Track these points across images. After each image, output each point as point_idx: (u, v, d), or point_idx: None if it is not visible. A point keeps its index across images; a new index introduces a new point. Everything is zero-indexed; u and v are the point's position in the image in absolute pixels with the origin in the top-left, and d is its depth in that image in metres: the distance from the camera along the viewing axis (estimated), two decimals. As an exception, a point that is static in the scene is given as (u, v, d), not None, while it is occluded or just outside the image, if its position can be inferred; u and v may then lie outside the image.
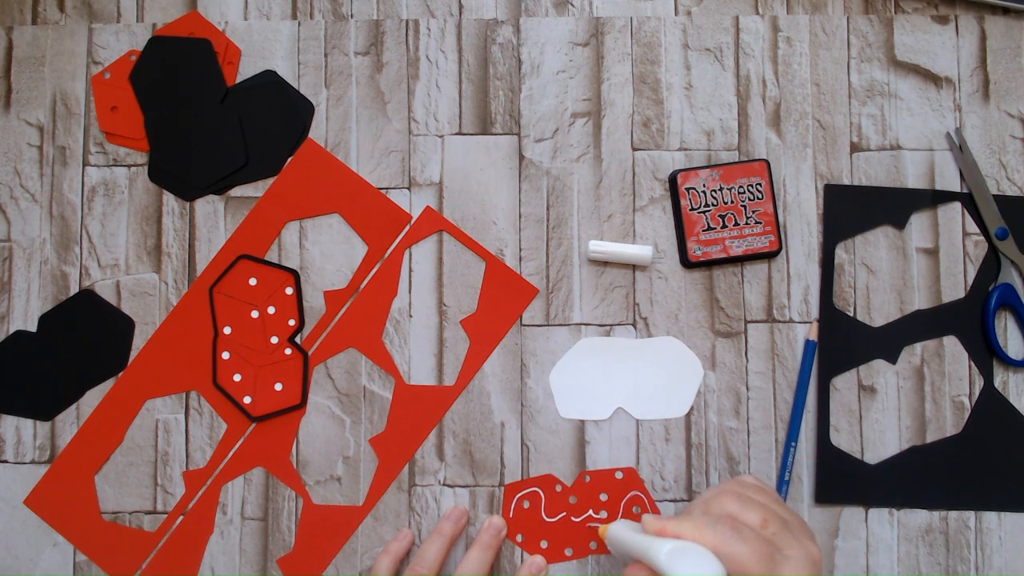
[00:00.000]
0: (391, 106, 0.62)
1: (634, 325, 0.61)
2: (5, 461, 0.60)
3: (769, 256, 0.60)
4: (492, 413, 0.60)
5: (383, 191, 0.62)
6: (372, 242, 0.61)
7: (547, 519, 0.59)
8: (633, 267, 0.61)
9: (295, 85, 0.62)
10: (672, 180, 0.61)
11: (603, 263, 0.61)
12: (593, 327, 0.61)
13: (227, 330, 0.60)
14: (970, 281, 0.61)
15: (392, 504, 0.60)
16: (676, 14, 0.62)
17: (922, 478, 0.59)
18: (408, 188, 0.62)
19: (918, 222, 0.61)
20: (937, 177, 0.61)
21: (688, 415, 0.60)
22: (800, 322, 0.60)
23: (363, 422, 0.60)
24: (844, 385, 0.60)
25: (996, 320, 0.60)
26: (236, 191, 0.62)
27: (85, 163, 0.62)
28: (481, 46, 0.62)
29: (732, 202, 0.60)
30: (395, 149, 0.62)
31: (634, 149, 0.62)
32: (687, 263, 0.60)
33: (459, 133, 0.62)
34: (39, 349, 0.61)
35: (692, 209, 0.60)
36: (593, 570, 0.59)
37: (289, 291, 0.61)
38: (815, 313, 0.61)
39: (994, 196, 0.61)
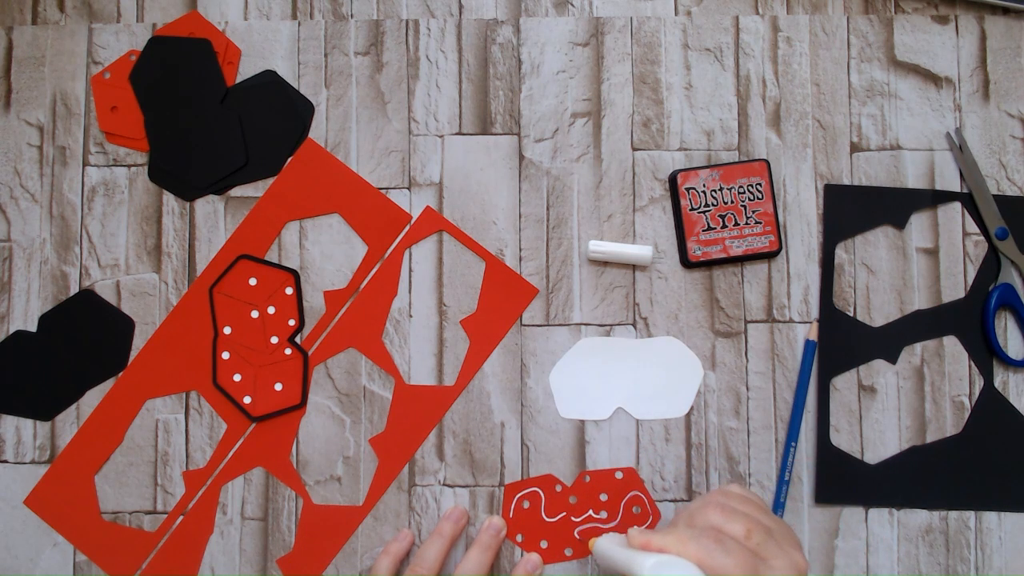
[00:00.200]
0: (391, 106, 0.62)
1: (634, 325, 0.61)
2: (5, 461, 0.60)
3: (769, 256, 0.60)
4: (492, 413, 0.60)
5: (383, 191, 0.61)
6: (372, 242, 0.61)
7: (547, 519, 0.59)
8: (633, 267, 0.61)
9: (295, 85, 0.62)
10: (672, 180, 0.61)
11: (603, 263, 0.61)
12: (593, 327, 0.61)
13: (227, 330, 0.60)
14: (970, 281, 0.61)
15: (392, 504, 0.60)
16: (676, 14, 0.62)
17: (922, 478, 0.59)
18: (408, 188, 0.62)
19: (918, 222, 0.61)
20: (937, 177, 0.61)
21: (688, 415, 0.60)
22: (800, 322, 0.60)
23: (363, 422, 0.60)
24: (844, 385, 0.60)
25: (996, 320, 0.60)
26: (236, 191, 0.62)
27: (85, 163, 0.62)
28: (481, 46, 0.62)
29: (732, 202, 0.60)
30: (395, 149, 0.62)
31: (634, 149, 0.62)
32: (687, 263, 0.60)
33: (459, 133, 0.62)
34: (39, 349, 0.61)
35: (692, 209, 0.60)
36: (593, 570, 0.59)
37: (289, 291, 0.61)
38: (815, 313, 0.61)
39: (994, 196, 0.61)
